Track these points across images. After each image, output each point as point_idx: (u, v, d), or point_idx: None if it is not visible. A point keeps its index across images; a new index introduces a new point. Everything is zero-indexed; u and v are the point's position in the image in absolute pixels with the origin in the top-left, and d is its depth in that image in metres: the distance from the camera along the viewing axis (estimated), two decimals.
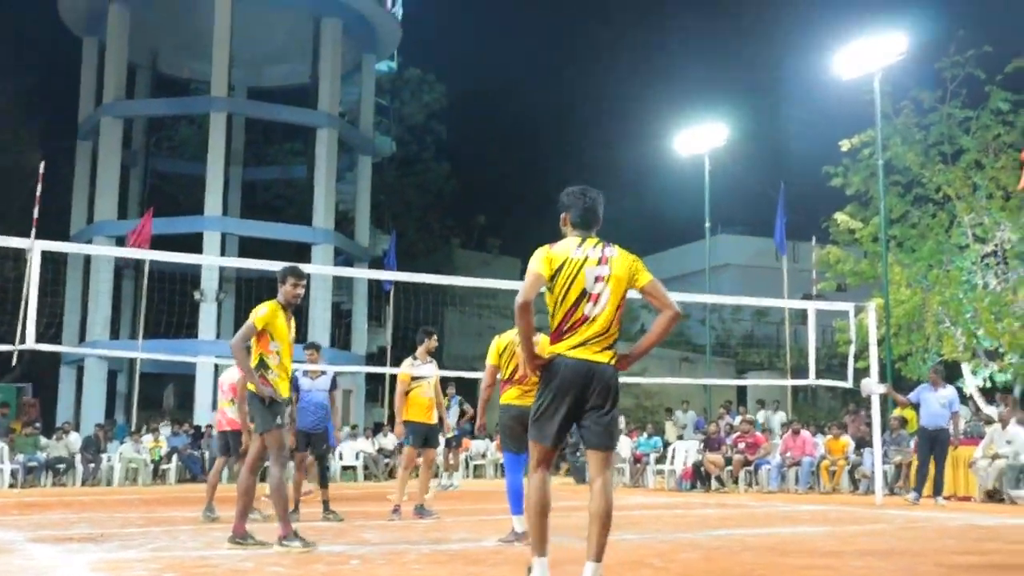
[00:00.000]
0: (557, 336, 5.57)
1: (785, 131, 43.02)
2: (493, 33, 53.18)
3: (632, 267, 5.66)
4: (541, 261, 5.60)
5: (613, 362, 5.55)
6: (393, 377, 16.01)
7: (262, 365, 8.03)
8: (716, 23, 55.33)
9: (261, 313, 7.97)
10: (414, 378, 11.32)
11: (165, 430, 25.23)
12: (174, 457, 23.81)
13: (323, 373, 11.86)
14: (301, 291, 8.12)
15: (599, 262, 5.59)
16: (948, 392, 15.33)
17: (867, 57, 21.26)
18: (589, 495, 5.51)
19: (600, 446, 5.57)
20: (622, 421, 24.97)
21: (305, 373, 11.72)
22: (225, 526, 10.35)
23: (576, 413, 5.55)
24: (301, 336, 31.77)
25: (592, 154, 53.53)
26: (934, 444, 15.01)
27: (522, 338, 5.63)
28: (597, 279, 5.55)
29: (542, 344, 5.84)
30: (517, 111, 53.57)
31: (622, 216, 49.93)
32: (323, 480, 11.92)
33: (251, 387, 8.09)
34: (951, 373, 25.49)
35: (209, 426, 24.73)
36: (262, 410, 7.97)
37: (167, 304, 27.71)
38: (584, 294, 5.53)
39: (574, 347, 5.52)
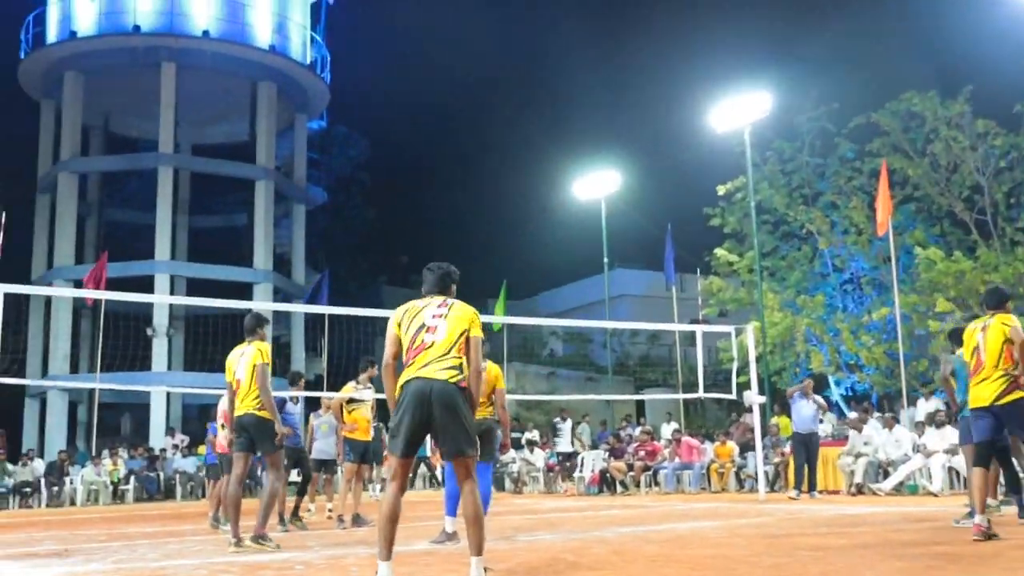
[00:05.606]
0: (405, 365, 5.62)
1: (670, 178, 43.46)
2: (408, 95, 53.22)
3: (472, 317, 5.74)
4: (392, 322, 5.77)
5: (454, 380, 5.49)
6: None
7: None
8: (608, 84, 56.17)
9: None
10: (354, 400, 11.39)
11: (123, 454, 24.72)
12: (132, 479, 23.32)
13: (299, 399, 12.19)
14: None
15: (439, 306, 5.74)
16: (818, 400, 15.82)
17: (737, 114, 21.73)
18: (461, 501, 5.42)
19: (454, 453, 5.49)
20: (535, 434, 24.64)
21: (289, 398, 11.98)
22: (210, 536, 10.15)
23: (424, 426, 5.47)
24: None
25: (500, 200, 53.78)
26: (807, 446, 15.27)
27: (387, 393, 5.69)
28: (435, 316, 5.67)
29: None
30: (433, 162, 53.79)
31: (530, 255, 50.30)
32: (303, 490, 12.24)
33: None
34: (818, 384, 26.06)
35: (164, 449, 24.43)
36: None
37: (122, 340, 27.18)
38: (423, 327, 5.64)
39: (419, 369, 5.53)
